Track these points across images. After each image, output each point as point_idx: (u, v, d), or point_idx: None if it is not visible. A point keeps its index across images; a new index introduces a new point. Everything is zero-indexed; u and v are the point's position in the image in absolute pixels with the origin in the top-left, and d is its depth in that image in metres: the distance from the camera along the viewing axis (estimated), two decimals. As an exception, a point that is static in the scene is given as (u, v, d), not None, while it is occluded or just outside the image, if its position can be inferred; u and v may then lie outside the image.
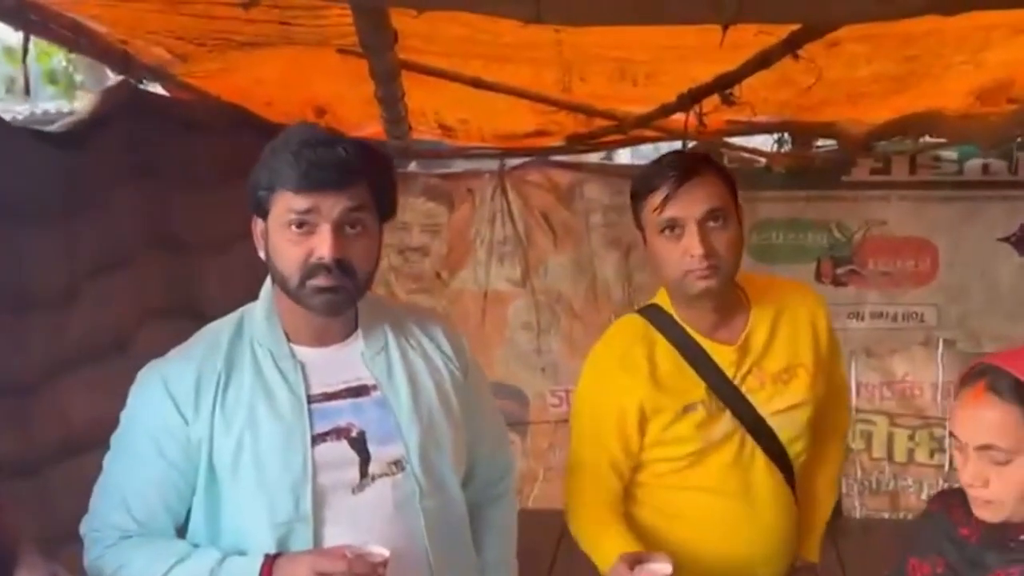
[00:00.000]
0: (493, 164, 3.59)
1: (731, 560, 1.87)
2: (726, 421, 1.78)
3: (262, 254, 1.51)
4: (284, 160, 1.42)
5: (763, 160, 3.36)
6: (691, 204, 1.68)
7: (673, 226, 1.70)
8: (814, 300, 1.90)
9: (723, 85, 2.15)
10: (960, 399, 1.39)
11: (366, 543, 1.42)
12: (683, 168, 1.69)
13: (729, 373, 1.80)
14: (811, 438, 1.87)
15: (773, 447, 1.81)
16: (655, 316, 1.85)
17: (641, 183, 1.75)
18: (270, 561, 1.43)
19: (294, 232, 1.44)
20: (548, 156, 3.53)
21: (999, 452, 1.34)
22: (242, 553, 1.46)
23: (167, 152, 2.32)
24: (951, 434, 1.40)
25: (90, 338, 1.97)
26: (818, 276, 3.50)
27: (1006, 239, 3.36)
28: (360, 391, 1.55)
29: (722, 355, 1.80)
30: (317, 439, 1.50)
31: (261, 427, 1.48)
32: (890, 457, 3.73)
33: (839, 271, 3.49)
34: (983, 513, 1.39)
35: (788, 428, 1.81)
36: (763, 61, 1.99)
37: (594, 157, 3.76)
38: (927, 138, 3.05)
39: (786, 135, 3.29)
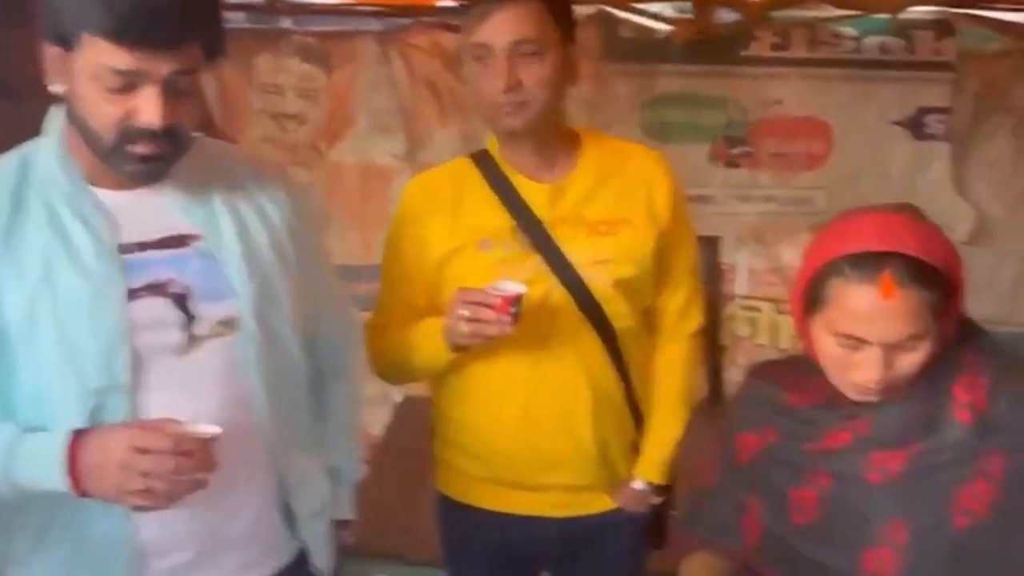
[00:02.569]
0: (376, 24, 3.35)
1: (525, 447, 1.76)
2: (533, 266, 1.67)
3: (56, 89, 1.28)
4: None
5: (663, 29, 3.20)
6: (500, 30, 1.57)
7: (482, 53, 1.58)
8: (655, 162, 1.79)
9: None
10: (857, 296, 1.27)
11: (195, 422, 1.25)
12: None
13: (540, 213, 1.69)
14: (636, 307, 1.77)
15: (587, 302, 1.71)
16: (479, 157, 1.75)
17: (465, 3, 1.62)
18: (77, 437, 1.24)
19: (111, 90, 1.23)
20: (436, 17, 3.32)
21: (911, 342, 1.28)
22: (44, 429, 1.27)
23: None
24: (850, 336, 1.29)
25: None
26: (712, 157, 3.41)
27: (900, 122, 3.31)
28: (180, 241, 1.37)
29: (535, 193, 1.70)
30: (132, 295, 1.30)
31: (60, 281, 1.28)
32: (775, 343, 3.73)
33: (733, 152, 3.40)
34: (867, 396, 1.34)
35: (603, 284, 1.70)
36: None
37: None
38: (827, 10, 2.95)
39: (688, 3, 3.14)
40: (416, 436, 1.93)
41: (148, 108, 1.23)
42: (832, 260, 1.29)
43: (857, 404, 1.35)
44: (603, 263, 1.71)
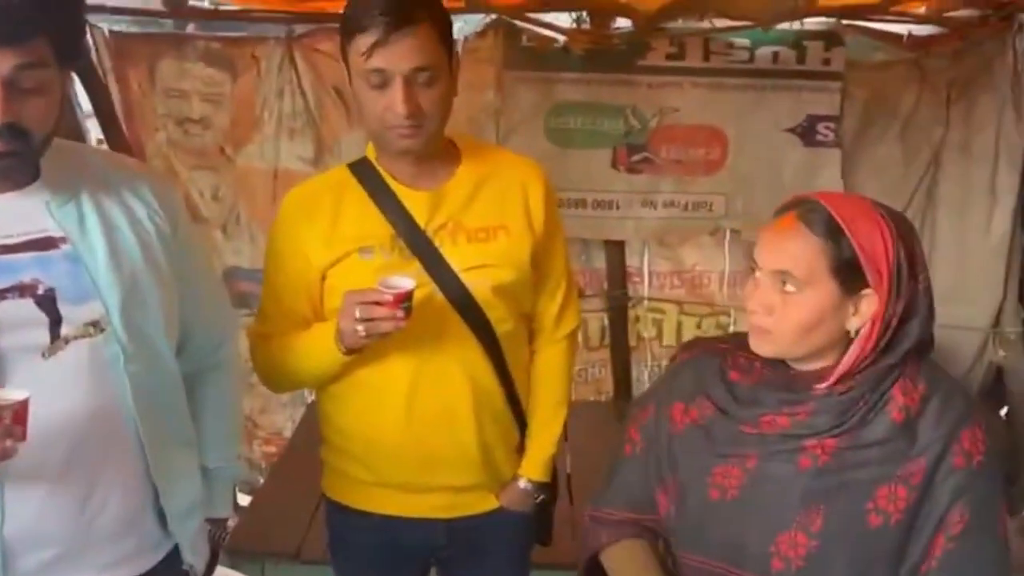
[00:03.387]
0: (279, 30, 3.31)
1: (408, 449, 1.80)
2: (414, 272, 1.70)
3: None
4: None
5: (561, 39, 3.25)
6: (400, 57, 1.58)
7: (378, 77, 1.59)
8: (530, 169, 1.85)
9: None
10: (769, 225, 1.40)
11: (6, 389, 1.26)
12: (396, 13, 1.56)
13: (420, 221, 1.72)
14: (515, 311, 1.82)
15: (467, 306, 1.75)
16: (358, 167, 1.78)
17: (350, 18, 1.62)
18: None
19: None
20: (339, 23, 3.28)
21: (792, 281, 1.35)
22: None
23: None
24: (754, 261, 1.41)
25: None
26: (614, 163, 3.47)
27: (792, 129, 3.42)
28: (46, 244, 1.38)
29: (415, 201, 1.73)
30: None
31: None
32: (679, 344, 3.82)
33: (634, 159, 3.46)
34: (759, 344, 1.41)
35: (482, 288, 1.74)
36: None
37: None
38: (717, 23, 3.03)
39: (584, 13, 3.20)
40: None
41: None
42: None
43: (797, 390, 1.40)
44: (482, 268, 1.75)
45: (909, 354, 1.39)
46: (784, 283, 1.36)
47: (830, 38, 3.31)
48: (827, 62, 3.34)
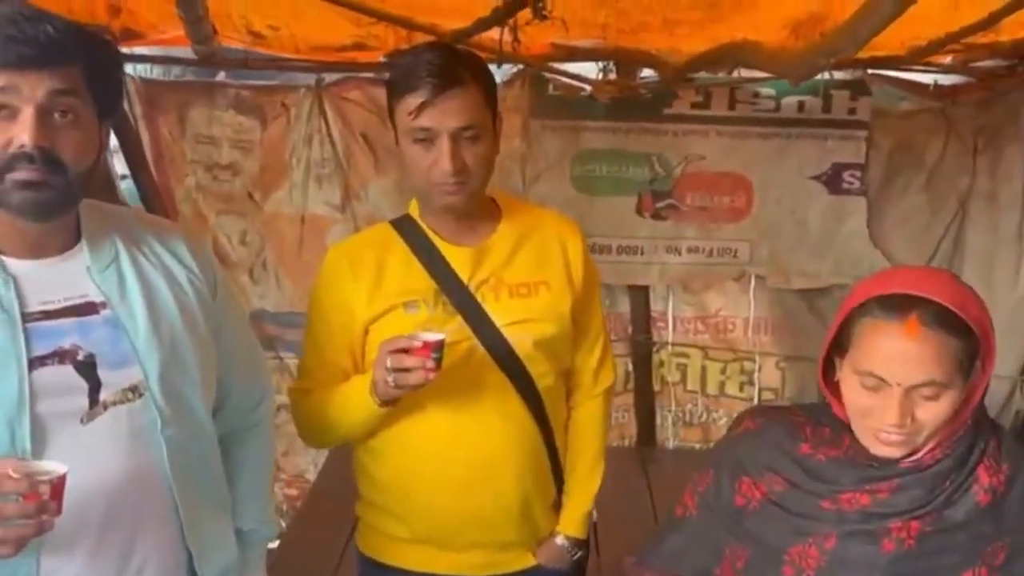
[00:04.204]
0: (309, 78, 3.37)
1: (447, 506, 1.78)
2: (456, 327, 1.71)
3: None
4: None
5: (587, 88, 3.29)
6: (446, 116, 1.61)
7: (425, 135, 1.63)
8: (568, 226, 1.87)
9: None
10: (890, 335, 1.27)
11: (45, 461, 1.24)
12: (443, 74, 1.60)
13: (463, 276, 1.74)
14: (555, 366, 1.82)
15: (509, 361, 1.75)
16: (401, 223, 1.80)
17: (399, 79, 1.66)
18: None
19: None
20: (368, 73, 3.33)
21: (933, 388, 1.26)
22: None
23: None
24: (871, 374, 1.28)
25: None
26: (639, 210, 3.49)
27: (817, 177, 3.44)
28: (87, 309, 1.38)
29: (458, 257, 1.75)
30: (35, 363, 1.31)
31: None
32: (703, 390, 3.82)
33: (659, 205, 3.48)
34: (890, 450, 1.31)
35: (523, 343, 1.75)
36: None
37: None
38: (743, 72, 3.06)
39: (610, 64, 3.23)
40: (349, 480, 1.95)
41: (23, 128, 1.25)
42: (863, 302, 1.30)
43: (880, 466, 1.33)
44: (524, 323, 1.76)
45: (989, 431, 1.34)
46: (922, 391, 1.27)
47: (856, 87, 3.34)
48: (853, 111, 3.37)
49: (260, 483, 1.73)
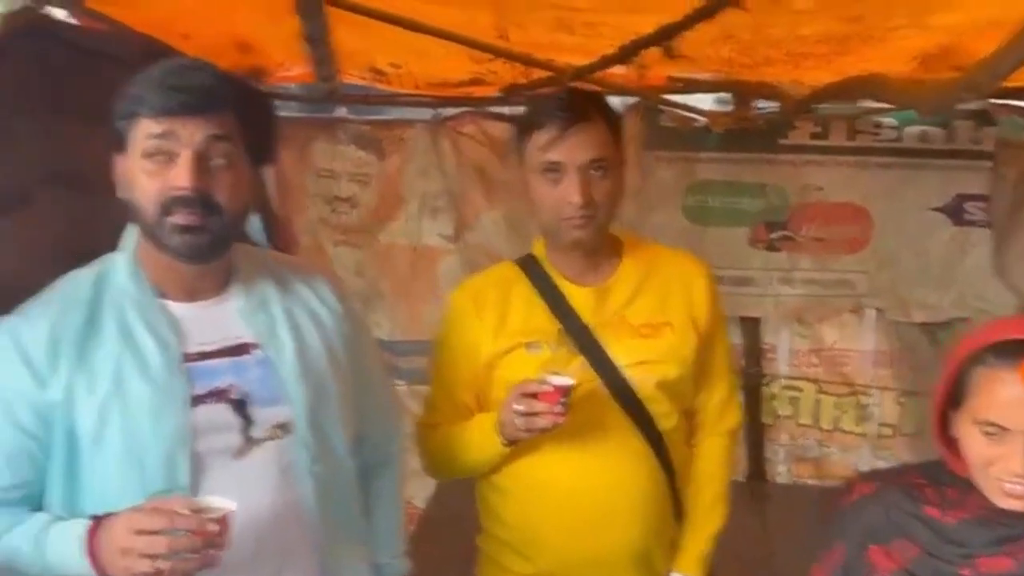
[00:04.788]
0: (426, 113, 3.44)
1: (569, 543, 1.78)
2: (578, 367, 1.72)
3: (122, 194, 1.39)
4: (144, 85, 1.32)
5: (702, 119, 3.27)
6: (575, 150, 1.65)
7: (554, 170, 1.65)
8: (693, 265, 1.87)
9: (664, 36, 2.06)
10: (999, 381, 1.25)
11: (213, 497, 1.30)
12: (572, 110, 1.65)
13: (586, 316, 1.75)
14: (678, 407, 1.81)
15: (631, 402, 1.75)
16: (525, 263, 1.84)
17: (528, 119, 1.72)
18: (95, 523, 1.29)
19: (151, 161, 1.32)
20: (484, 107, 3.40)
21: None
22: None
23: (72, 84, 2.13)
24: (991, 423, 1.26)
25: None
26: (752, 241, 3.45)
27: (940, 208, 3.34)
28: (240, 350, 1.46)
29: (580, 297, 1.76)
30: (195, 401, 1.39)
31: (130, 389, 1.36)
32: (817, 424, 3.73)
33: (773, 236, 3.44)
34: (1018, 504, 1.27)
35: (646, 384, 1.75)
36: (706, 12, 1.91)
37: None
38: (867, 103, 3.01)
39: (726, 94, 3.21)
40: (459, 509, 1.97)
41: (181, 173, 1.32)
42: (976, 351, 1.29)
43: (1013, 523, 1.28)
44: (647, 364, 1.77)
45: None
46: None
47: (981, 117, 3.24)
48: (977, 140, 3.27)
49: (394, 518, 1.78)
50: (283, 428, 1.46)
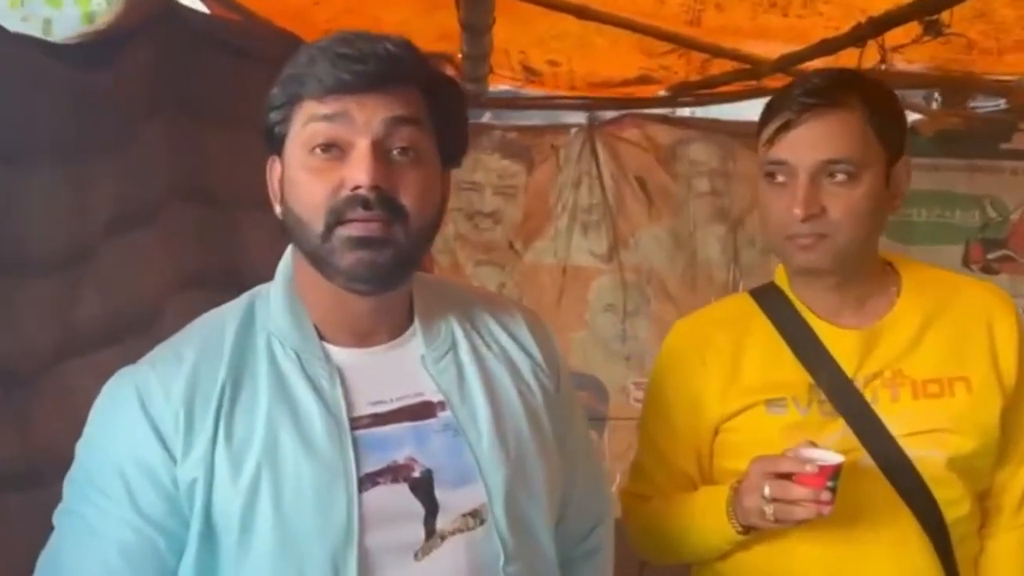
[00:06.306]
0: (581, 117, 3.19)
1: None
2: (837, 435, 1.38)
3: (278, 209, 1.11)
4: (307, 61, 1.05)
5: (913, 117, 2.90)
6: (805, 145, 1.32)
7: (778, 172, 1.34)
8: (996, 299, 1.48)
9: (926, 9, 1.65)
10: None
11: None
12: (818, 94, 1.31)
13: (848, 368, 1.40)
14: (972, 490, 1.44)
15: (909, 483, 1.40)
16: (765, 294, 1.51)
17: (767, 106, 1.39)
18: None
19: (318, 157, 1.04)
20: (647, 108, 3.13)
21: None
22: None
23: (205, 82, 1.93)
24: None
25: (105, 313, 1.62)
26: (966, 261, 3.11)
27: None
28: (422, 411, 1.14)
29: (841, 342, 1.42)
30: (366, 482, 1.07)
31: (285, 465, 1.06)
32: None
33: (991, 256, 3.10)
34: None
35: (931, 461, 1.39)
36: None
37: (704, 112, 3.33)
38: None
39: (935, 93, 2.83)
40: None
41: (357, 166, 1.02)
42: None
43: None
44: (933, 434, 1.39)
45: None
46: None
47: None
48: None
49: None
50: (474, 516, 1.14)
